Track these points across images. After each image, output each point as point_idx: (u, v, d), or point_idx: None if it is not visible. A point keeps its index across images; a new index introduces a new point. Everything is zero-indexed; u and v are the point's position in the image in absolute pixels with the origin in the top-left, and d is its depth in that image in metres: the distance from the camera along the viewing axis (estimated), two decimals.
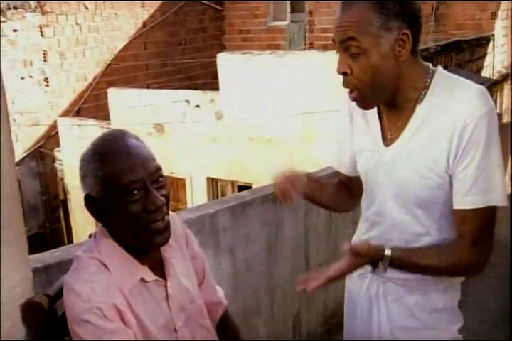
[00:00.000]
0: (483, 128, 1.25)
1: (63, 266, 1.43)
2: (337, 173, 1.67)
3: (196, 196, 6.57)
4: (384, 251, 1.29)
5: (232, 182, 6.46)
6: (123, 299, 1.16)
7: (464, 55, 7.16)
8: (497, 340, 2.96)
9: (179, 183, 6.90)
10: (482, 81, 5.61)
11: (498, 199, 1.28)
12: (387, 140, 1.39)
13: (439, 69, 1.35)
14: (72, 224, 7.63)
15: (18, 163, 7.98)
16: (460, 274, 1.44)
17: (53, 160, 8.05)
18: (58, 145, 7.65)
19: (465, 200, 1.29)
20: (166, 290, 1.25)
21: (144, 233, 1.18)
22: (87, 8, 8.45)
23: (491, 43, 8.30)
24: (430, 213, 1.38)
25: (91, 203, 1.18)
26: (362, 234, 1.55)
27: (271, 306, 2.61)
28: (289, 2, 9.90)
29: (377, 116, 1.42)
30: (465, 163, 1.27)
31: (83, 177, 1.19)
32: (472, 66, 7.61)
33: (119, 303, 1.14)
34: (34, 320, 1.18)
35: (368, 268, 1.51)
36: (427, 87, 1.31)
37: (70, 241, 7.55)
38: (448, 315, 1.48)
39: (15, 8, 7.67)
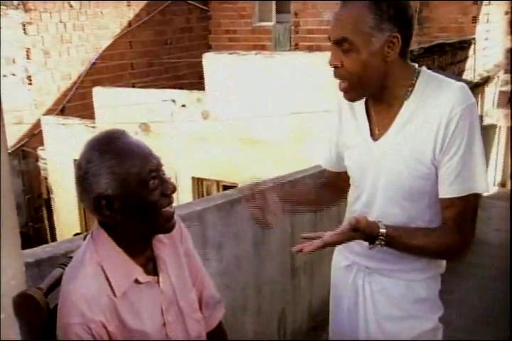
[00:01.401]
0: (466, 120, 1.35)
1: (54, 261, 1.46)
2: (323, 172, 1.75)
3: (181, 195, 6.56)
4: (379, 228, 1.36)
5: (218, 182, 6.47)
6: (111, 305, 1.21)
7: (446, 57, 7.27)
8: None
9: None
10: (465, 82, 5.70)
11: (481, 187, 1.38)
12: (375, 135, 1.48)
13: (424, 69, 1.45)
14: (56, 224, 7.58)
15: None
16: (445, 256, 1.52)
17: (37, 158, 7.98)
18: (42, 143, 7.59)
19: (450, 189, 1.39)
20: (159, 286, 1.30)
21: (158, 219, 1.25)
22: (71, 6, 8.40)
23: (473, 46, 8.43)
24: (417, 204, 1.46)
25: (104, 202, 1.20)
26: None
27: (258, 303, 2.64)
28: (274, 3, 9.94)
29: (365, 112, 1.51)
30: (451, 153, 1.36)
31: (94, 178, 1.19)
32: (454, 68, 7.73)
33: (106, 318, 1.19)
34: (27, 313, 1.20)
35: (355, 259, 1.58)
36: (413, 85, 1.41)
37: (54, 240, 7.49)
38: (430, 304, 1.57)
39: None
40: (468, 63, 8.51)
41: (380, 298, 1.57)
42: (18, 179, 8.19)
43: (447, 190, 1.39)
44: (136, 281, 1.26)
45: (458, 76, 7.88)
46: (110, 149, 1.20)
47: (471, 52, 8.50)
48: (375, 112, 1.49)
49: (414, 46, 6.85)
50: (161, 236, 1.33)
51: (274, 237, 2.67)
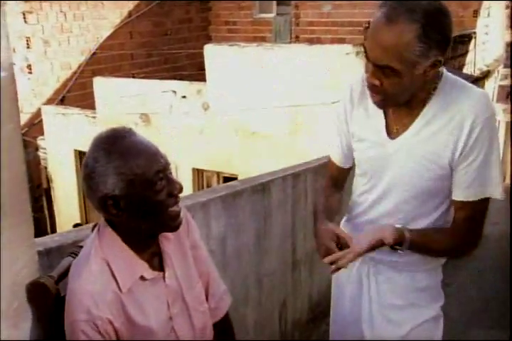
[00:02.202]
0: (488, 129, 1.38)
1: (63, 250, 1.48)
2: (329, 166, 1.76)
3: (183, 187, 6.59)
4: (404, 234, 1.42)
5: (218, 174, 6.49)
6: (117, 301, 1.22)
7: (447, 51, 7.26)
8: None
9: None
10: (463, 77, 5.71)
11: (495, 193, 1.43)
12: (392, 133, 1.49)
13: (445, 71, 1.44)
14: (56, 213, 7.60)
15: None
16: (454, 255, 1.62)
17: (36, 148, 7.98)
18: (41, 133, 7.59)
19: (465, 193, 1.43)
20: (165, 282, 1.32)
21: (164, 218, 1.25)
22: None
23: (473, 41, 8.42)
24: (427, 203, 1.50)
25: (111, 202, 1.20)
26: (355, 217, 1.67)
27: (259, 294, 2.67)
28: None
29: (381, 110, 1.51)
30: (470, 159, 1.40)
31: (100, 177, 1.19)
32: (454, 63, 7.72)
33: (112, 314, 1.20)
34: (39, 300, 1.23)
35: None
36: (436, 88, 1.42)
37: (54, 230, 7.52)
38: (432, 294, 1.62)
39: None
40: (469, 57, 8.51)
41: (384, 288, 1.62)
42: None
43: (462, 194, 1.44)
44: (142, 278, 1.27)
45: (458, 70, 7.88)
46: (117, 149, 1.20)
47: (471, 46, 8.49)
48: (392, 111, 1.49)
49: None
50: None
51: (276, 230, 2.69)
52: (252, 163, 5.65)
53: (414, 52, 1.28)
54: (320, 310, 3.06)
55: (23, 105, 8.00)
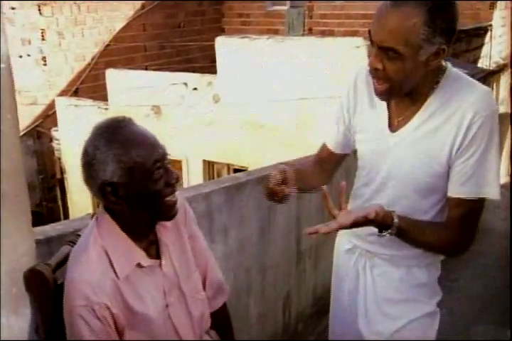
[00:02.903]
0: (487, 127, 1.36)
1: (64, 239, 1.50)
2: (320, 147, 1.74)
3: (192, 178, 6.62)
4: (393, 218, 1.38)
5: (228, 165, 6.51)
6: (114, 288, 1.25)
7: (461, 44, 7.18)
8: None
9: (176, 165, 6.95)
10: (476, 71, 5.65)
11: (491, 193, 1.41)
12: (393, 126, 1.49)
13: (450, 66, 1.44)
14: (69, 203, 7.68)
15: None
16: (445, 253, 1.56)
17: (50, 139, 8.06)
18: (56, 124, 7.66)
19: (461, 190, 1.42)
20: (162, 269, 1.34)
21: (161, 207, 1.28)
22: None
23: (489, 33, 8.31)
24: (425, 199, 1.49)
25: (109, 189, 1.23)
26: (357, 210, 1.64)
27: (262, 286, 2.69)
28: None
29: (385, 102, 1.50)
30: (466, 156, 1.38)
31: (100, 165, 1.22)
32: (469, 56, 7.64)
33: (109, 300, 1.23)
34: (36, 287, 1.26)
35: (356, 243, 1.62)
36: (438, 82, 1.41)
37: (67, 220, 7.60)
38: (428, 289, 1.61)
39: None
40: (484, 50, 8.41)
41: (381, 282, 1.62)
42: (33, 159, 8.29)
43: (458, 191, 1.42)
44: (139, 265, 1.30)
45: (473, 63, 7.80)
46: (117, 137, 1.23)
47: (487, 39, 8.39)
48: (395, 103, 1.49)
49: None
50: None
51: (280, 221, 2.70)
52: (261, 155, 5.66)
53: (419, 35, 1.28)
54: (324, 303, 3.05)
55: (38, 96, 8.08)
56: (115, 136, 1.23)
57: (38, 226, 1.58)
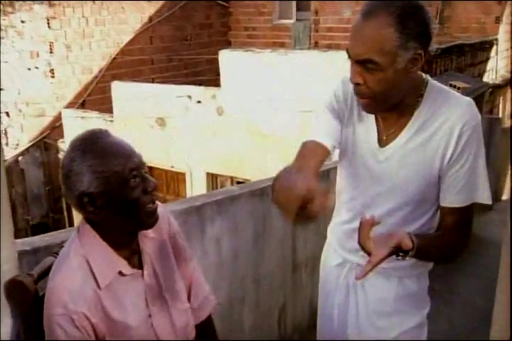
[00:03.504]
0: (475, 136, 1.40)
1: (51, 249, 1.51)
2: (313, 148, 1.51)
3: (196, 190, 6.64)
4: (413, 240, 1.35)
5: (232, 178, 6.53)
6: (95, 298, 1.26)
7: (466, 58, 7.18)
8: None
9: (179, 177, 6.98)
10: (480, 85, 5.65)
11: (482, 197, 1.44)
12: (382, 141, 1.49)
13: (429, 78, 1.46)
14: (75, 215, 7.72)
15: (23, 153, 8.08)
16: (445, 261, 1.63)
17: (57, 150, 8.13)
18: (62, 136, 7.74)
19: (455, 199, 1.45)
20: (143, 279, 1.35)
21: (140, 215, 1.29)
22: (94, 1, 8.52)
23: (495, 47, 8.32)
24: (417, 209, 1.51)
25: (87, 199, 1.24)
26: (344, 223, 1.65)
27: (256, 296, 2.69)
28: (295, 1, 9.94)
29: (373, 117, 1.51)
30: (458, 165, 1.41)
31: (77, 176, 1.24)
32: (474, 70, 7.63)
33: (89, 310, 1.24)
34: (17, 298, 1.27)
35: (347, 258, 1.63)
36: (422, 95, 1.43)
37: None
38: (419, 299, 1.62)
39: None
40: (490, 64, 8.41)
41: (372, 294, 1.62)
42: (40, 170, 8.36)
43: (452, 200, 1.45)
44: (120, 273, 1.30)
45: (478, 77, 7.79)
46: (92, 149, 1.25)
47: (493, 53, 8.39)
48: (382, 118, 1.49)
49: (433, 46, 6.80)
50: (147, 230, 1.37)
51: (275, 234, 2.71)
52: (265, 168, 5.67)
53: (393, 43, 1.29)
54: None
55: (46, 108, 8.17)
56: (90, 148, 1.25)
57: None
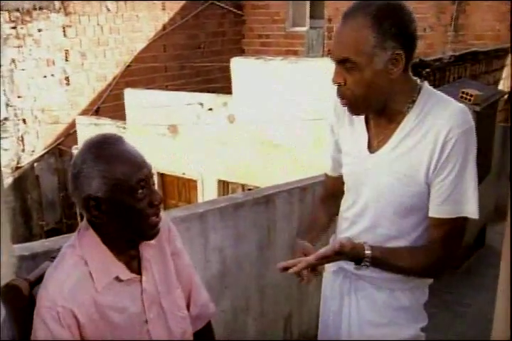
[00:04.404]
0: (462, 144, 1.35)
1: (50, 255, 1.51)
2: (324, 180, 1.76)
3: (207, 198, 6.65)
4: (364, 250, 1.37)
5: (243, 186, 6.53)
6: (90, 300, 1.26)
7: (480, 66, 7.12)
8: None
9: (191, 184, 7.00)
10: (494, 93, 5.58)
11: (470, 211, 1.39)
12: (372, 147, 1.48)
13: (426, 84, 1.44)
14: None
15: (38, 159, 8.18)
16: (427, 275, 1.54)
17: (71, 157, 8.21)
18: (76, 143, 7.82)
19: (440, 209, 1.40)
20: (141, 285, 1.35)
21: (143, 227, 1.29)
22: (108, 9, 8.64)
23: (510, 55, 8.23)
24: (407, 219, 1.47)
25: (93, 203, 1.25)
26: (341, 232, 1.65)
27: (261, 305, 2.67)
28: (308, 8, 9.97)
29: (364, 123, 1.51)
30: (443, 174, 1.37)
31: (86, 178, 1.25)
32: (489, 78, 7.56)
33: (79, 309, 1.24)
34: (12, 302, 1.28)
35: (342, 265, 1.61)
36: (413, 102, 1.41)
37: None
38: (413, 314, 1.58)
39: (40, 8, 7.89)
40: (506, 72, 8.32)
41: (364, 304, 1.60)
42: (54, 176, 8.45)
43: (437, 210, 1.40)
44: (118, 278, 1.31)
45: (493, 85, 7.71)
46: (105, 154, 1.25)
47: (508, 60, 8.31)
48: (374, 124, 1.49)
49: (447, 53, 6.76)
50: None
51: (280, 242, 2.69)
52: (275, 176, 5.66)
53: (369, 42, 1.30)
54: None
55: (60, 115, 8.28)
56: (103, 152, 1.26)
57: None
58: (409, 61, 1.37)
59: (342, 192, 1.69)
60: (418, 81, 1.44)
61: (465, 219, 1.41)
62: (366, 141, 1.50)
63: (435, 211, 1.41)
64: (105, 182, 1.24)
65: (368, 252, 1.37)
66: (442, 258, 1.43)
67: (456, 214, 1.39)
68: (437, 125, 1.36)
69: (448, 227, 1.41)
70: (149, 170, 1.30)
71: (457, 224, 1.41)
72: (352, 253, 1.37)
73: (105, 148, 1.27)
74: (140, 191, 1.26)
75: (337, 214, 1.71)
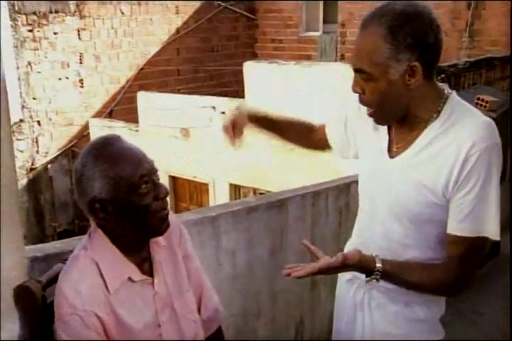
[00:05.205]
0: (485, 161, 1.30)
1: (62, 256, 1.51)
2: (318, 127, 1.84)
3: (219, 201, 6.65)
4: (375, 263, 1.34)
5: (255, 190, 6.52)
6: (105, 300, 1.25)
7: (495, 72, 7.06)
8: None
9: (202, 188, 7.00)
10: (509, 98, 5.54)
11: (491, 232, 1.34)
12: (392, 152, 1.46)
13: (454, 94, 1.41)
14: None
15: (52, 161, 8.24)
16: (440, 293, 1.49)
17: None
18: None
19: (459, 227, 1.35)
20: (153, 288, 1.34)
21: (152, 222, 1.28)
22: (123, 13, 8.70)
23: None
24: (421, 229, 1.43)
25: (98, 205, 1.25)
26: (354, 237, 1.64)
27: (272, 310, 2.65)
28: (321, 13, 9.97)
29: (386, 127, 1.49)
30: (464, 191, 1.32)
31: (88, 181, 1.24)
32: (503, 84, 7.49)
33: (98, 308, 1.23)
34: (25, 304, 1.27)
35: (356, 274, 1.58)
36: (439, 111, 1.37)
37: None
38: (428, 327, 1.54)
39: (56, 11, 7.97)
40: None
41: (378, 315, 1.56)
42: (66, 178, 8.50)
43: (456, 227, 1.35)
44: (130, 279, 1.30)
45: (508, 91, 7.64)
46: (104, 154, 1.25)
47: None
48: (396, 130, 1.46)
49: (463, 59, 6.72)
50: (158, 238, 1.37)
51: (293, 247, 2.67)
52: (287, 180, 5.64)
53: (382, 54, 1.28)
54: None
55: (74, 117, 8.33)
56: (102, 153, 1.26)
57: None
58: (431, 70, 1.34)
59: (322, 140, 1.79)
60: (446, 90, 1.41)
61: (485, 239, 1.34)
62: (386, 144, 1.48)
63: (454, 228, 1.36)
64: (107, 181, 1.23)
65: (378, 265, 1.34)
66: (458, 277, 1.38)
67: (477, 234, 1.33)
68: (461, 138, 1.31)
69: (467, 246, 1.35)
70: (151, 165, 1.29)
71: (476, 244, 1.35)
72: (361, 266, 1.34)
73: (104, 148, 1.27)
74: (143, 186, 1.25)
75: (300, 144, 1.95)
